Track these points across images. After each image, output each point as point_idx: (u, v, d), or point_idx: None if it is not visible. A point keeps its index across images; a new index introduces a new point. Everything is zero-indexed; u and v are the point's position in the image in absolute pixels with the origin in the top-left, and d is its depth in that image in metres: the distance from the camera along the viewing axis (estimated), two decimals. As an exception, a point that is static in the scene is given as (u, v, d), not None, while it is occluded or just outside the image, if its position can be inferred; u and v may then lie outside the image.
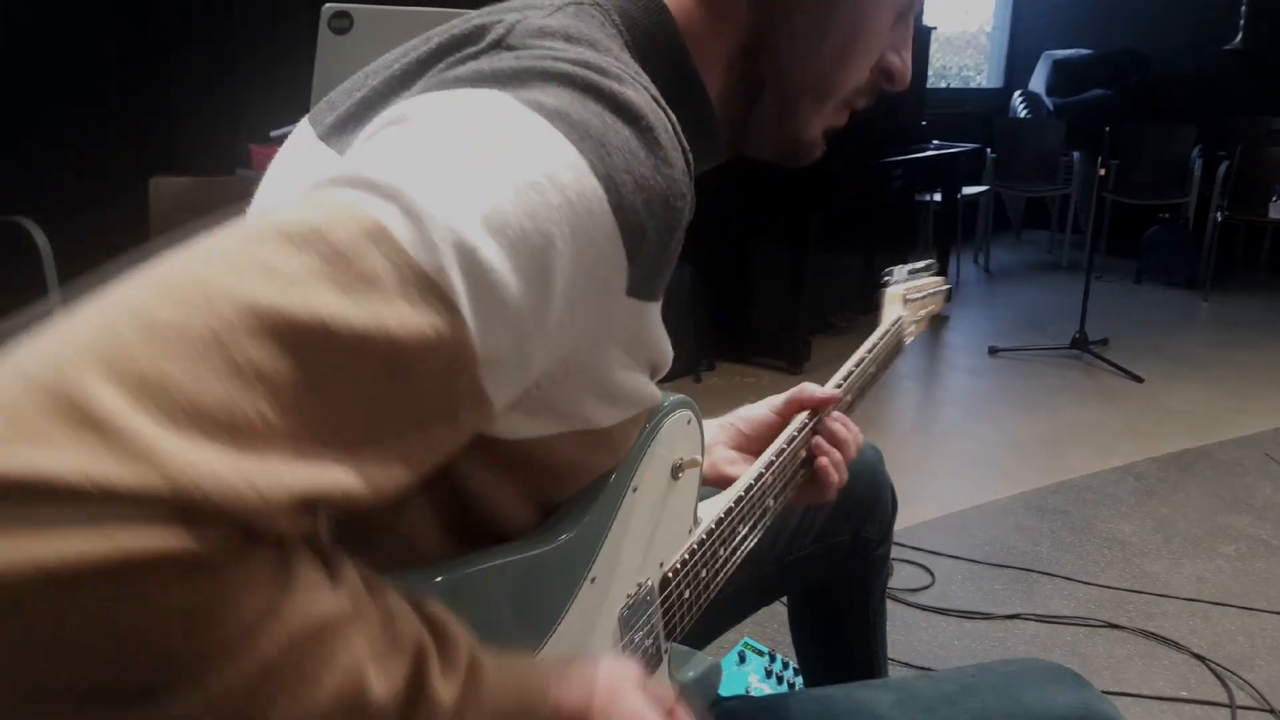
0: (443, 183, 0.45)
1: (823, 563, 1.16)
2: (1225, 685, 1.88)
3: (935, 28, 4.71)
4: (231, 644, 0.37)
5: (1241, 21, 5.78)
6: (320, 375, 0.40)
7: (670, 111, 0.57)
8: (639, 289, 0.56)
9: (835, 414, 0.97)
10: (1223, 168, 5.32)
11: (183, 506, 0.35)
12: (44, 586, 0.32)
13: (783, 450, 0.90)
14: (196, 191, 2.55)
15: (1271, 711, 1.80)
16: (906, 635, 2.06)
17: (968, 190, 5.28)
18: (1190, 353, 4.22)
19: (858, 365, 1.04)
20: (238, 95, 3.16)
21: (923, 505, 2.66)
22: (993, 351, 4.12)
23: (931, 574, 2.30)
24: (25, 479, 0.32)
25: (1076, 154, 5.90)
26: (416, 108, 0.51)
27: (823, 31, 0.69)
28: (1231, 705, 1.82)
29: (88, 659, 0.34)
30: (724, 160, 0.75)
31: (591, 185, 0.49)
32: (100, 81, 3.07)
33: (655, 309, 0.63)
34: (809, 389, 0.95)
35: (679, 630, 0.77)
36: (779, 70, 0.70)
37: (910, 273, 1.26)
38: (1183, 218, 5.62)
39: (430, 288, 0.43)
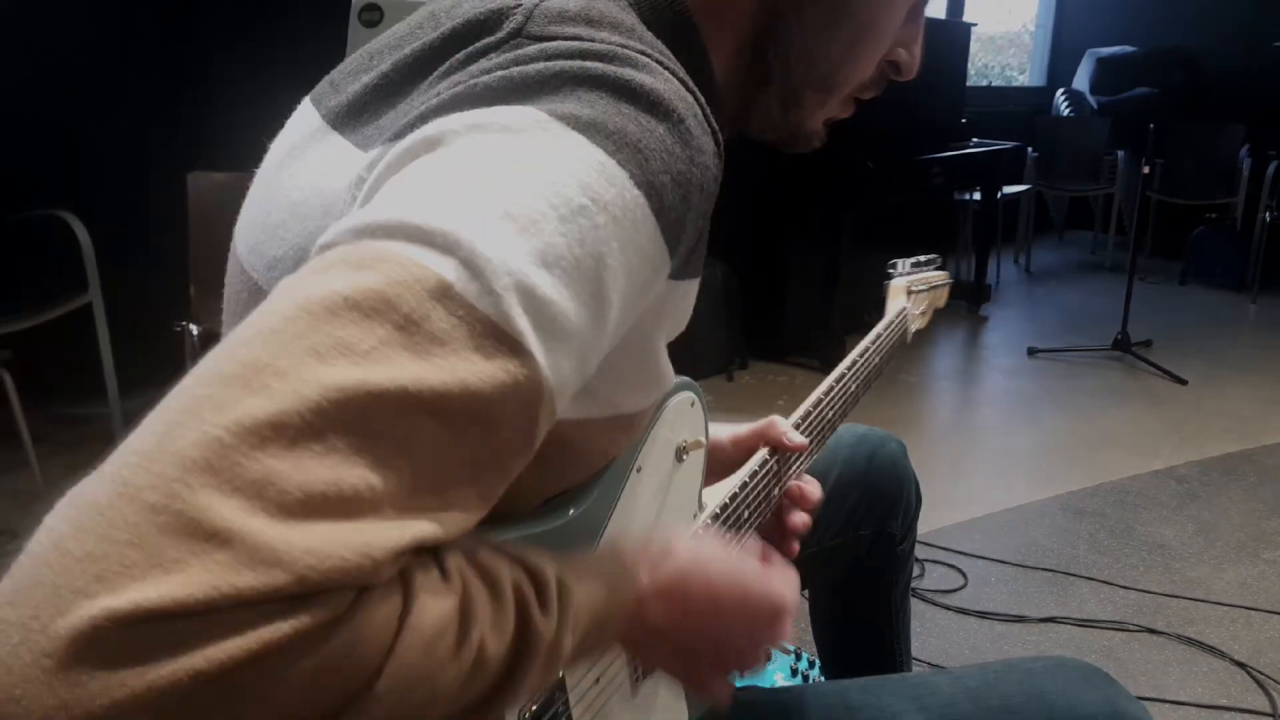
0: (494, 224, 0.46)
1: (845, 557, 1.13)
2: (1267, 693, 1.83)
3: (976, 24, 4.64)
4: (371, 673, 0.39)
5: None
6: (410, 438, 0.41)
7: (697, 92, 0.56)
8: (679, 272, 0.58)
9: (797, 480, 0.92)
10: (1272, 167, 5.20)
11: (307, 590, 0.37)
12: (201, 689, 0.34)
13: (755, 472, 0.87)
14: (234, 186, 2.57)
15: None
16: (938, 637, 2.02)
17: (1009, 189, 5.21)
18: (1236, 355, 4.12)
19: (862, 355, 1.03)
20: (274, 91, 3.18)
21: (958, 507, 2.61)
22: (1032, 352, 4.05)
23: (965, 576, 2.26)
24: (167, 607, 0.34)
25: (1121, 153, 5.80)
26: (450, 130, 0.50)
27: (834, 25, 0.68)
28: (1274, 714, 1.77)
29: None
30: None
31: (634, 196, 0.50)
32: (140, 78, 3.11)
33: (694, 284, 0.64)
34: (778, 429, 0.89)
35: None
36: (786, 61, 0.69)
37: (914, 265, 1.25)
38: (1230, 218, 5.50)
39: (500, 336, 0.44)
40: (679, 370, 0.72)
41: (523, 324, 0.45)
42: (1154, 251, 5.93)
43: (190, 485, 0.36)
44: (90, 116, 3.02)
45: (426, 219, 0.45)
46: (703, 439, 0.76)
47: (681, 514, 0.75)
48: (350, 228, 0.45)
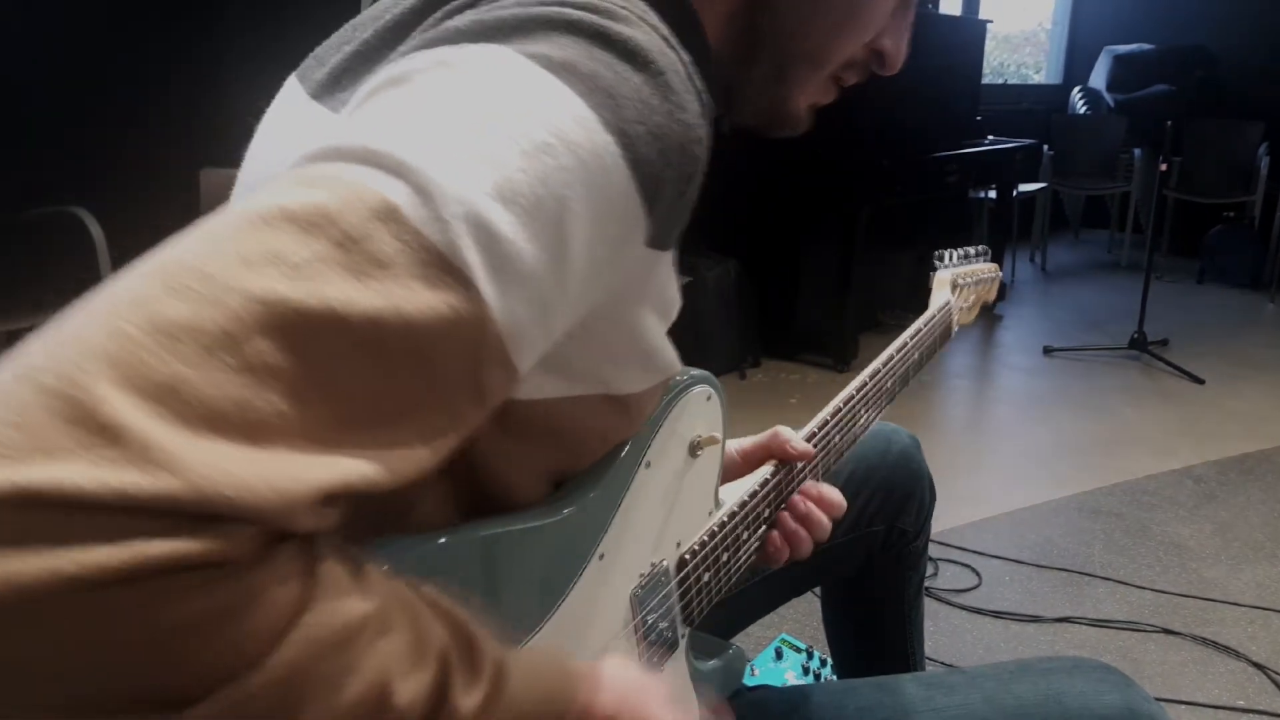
0: (450, 153, 0.44)
1: (857, 554, 1.12)
2: (1286, 695, 1.81)
3: (991, 21, 4.61)
4: (258, 648, 0.36)
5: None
6: (335, 364, 0.39)
7: (682, 52, 0.54)
8: (659, 240, 0.54)
9: (805, 488, 0.87)
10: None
11: (202, 510, 0.34)
12: (67, 596, 0.32)
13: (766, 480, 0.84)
14: (246, 183, 2.58)
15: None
16: (952, 637, 2.01)
17: (1024, 187, 5.17)
18: (1254, 354, 4.08)
19: (899, 350, 1.00)
20: (288, 89, 3.20)
21: (972, 505, 2.59)
22: (1048, 351, 4.03)
23: (978, 575, 2.24)
24: (43, 491, 0.32)
25: (1137, 151, 5.75)
26: (416, 67, 0.49)
27: None
28: (1292, 716, 1.75)
29: (115, 669, 0.34)
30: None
31: (604, 141, 0.47)
32: (153, 74, 3.12)
33: (670, 257, 0.60)
34: (781, 439, 0.85)
35: (698, 614, 0.74)
36: (779, 30, 0.67)
37: (962, 258, 1.22)
38: (1248, 217, 5.45)
39: (444, 266, 0.42)
40: (691, 366, 0.71)
41: (471, 257, 0.42)
42: (1171, 250, 5.89)
43: (90, 374, 0.34)
44: (103, 113, 3.03)
45: (379, 143, 0.43)
46: (719, 434, 0.74)
47: (696, 511, 0.74)
48: (303, 154, 0.44)
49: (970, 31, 4.48)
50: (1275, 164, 5.32)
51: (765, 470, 0.81)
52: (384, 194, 0.42)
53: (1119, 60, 6.17)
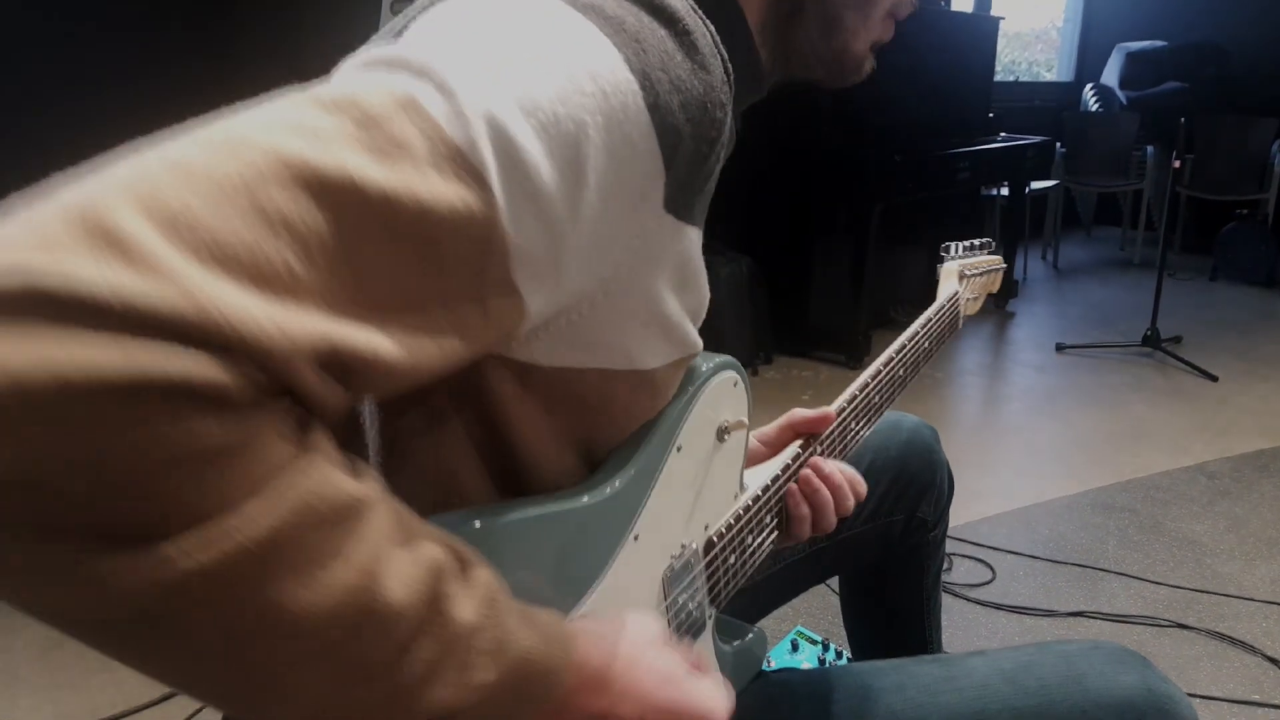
0: (475, 64, 0.45)
1: (876, 543, 1.13)
2: (1302, 689, 1.81)
3: (1003, 18, 4.61)
4: (242, 494, 0.36)
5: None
6: (347, 233, 0.39)
7: (710, 23, 0.55)
8: (677, 204, 0.55)
9: (820, 463, 0.86)
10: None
11: (206, 334, 0.34)
12: (57, 394, 0.31)
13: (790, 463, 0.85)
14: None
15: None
16: (966, 631, 2.01)
17: (1036, 185, 5.17)
18: (1268, 351, 4.07)
19: (911, 340, 1.02)
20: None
21: (985, 501, 2.60)
22: (1060, 348, 4.03)
23: (992, 570, 2.24)
24: (52, 285, 0.32)
25: (1150, 148, 5.74)
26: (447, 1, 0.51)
27: None
28: (1308, 710, 1.75)
29: (93, 488, 0.33)
30: (766, 93, 0.73)
31: (626, 78, 0.49)
32: (171, 77, 3.14)
33: (696, 236, 0.61)
34: (798, 413, 0.86)
35: (723, 596, 0.76)
36: None
37: (967, 249, 1.24)
38: (1261, 213, 5.43)
39: (461, 161, 0.43)
40: None
41: (488, 157, 0.43)
42: (1184, 248, 5.87)
43: (108, 198, 0.35)
44: (122, 117, 3.05)
45: (411, 54, 0.45)
46: (745, 419, 0.76)
47: (722, 495, 0.75)
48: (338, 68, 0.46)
49: (982, 28, 4.48)
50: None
51: (788, 454, 0.83)
52: (409, 90, 0.43)
53: (1131, 57, 6.15)
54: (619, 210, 0.51)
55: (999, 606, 2.10)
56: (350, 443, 0.59)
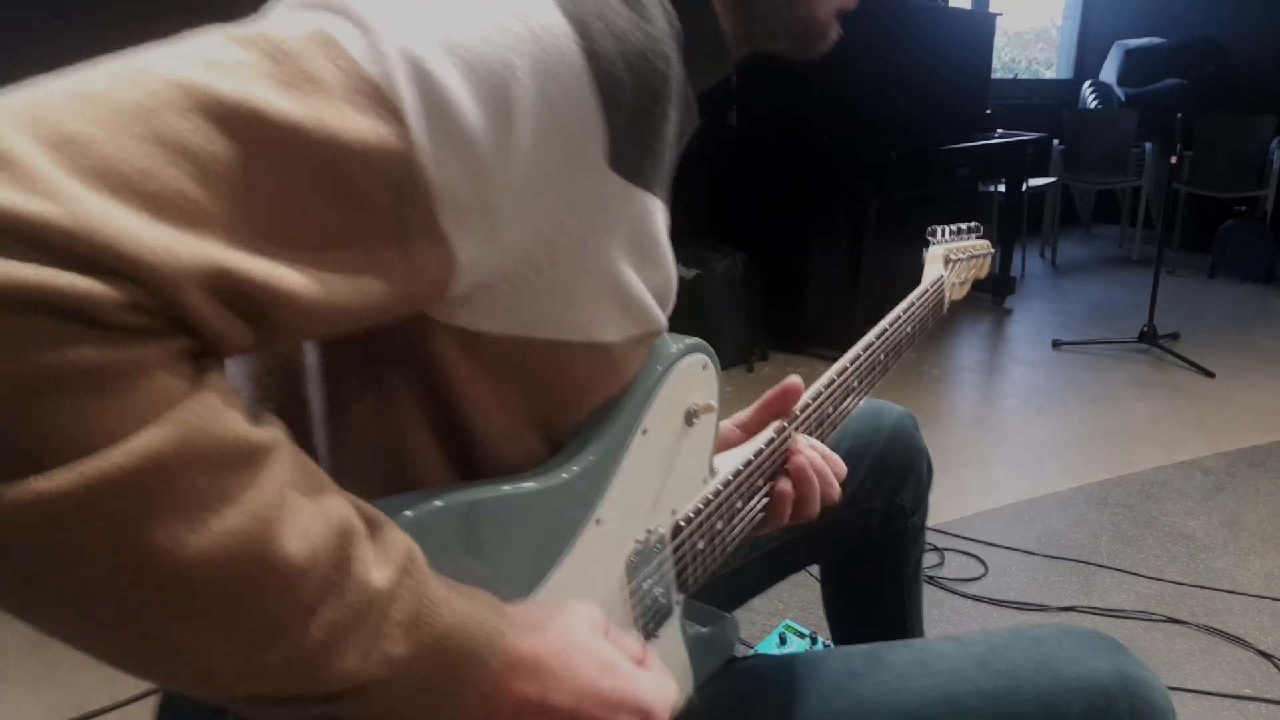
0: (397, 3, 0.44)
1: (855, 530, 1.12)
2: (1294, 684, 1.80)
3: (1000, 14, 4.60)
4: (121, 429, 0.34)
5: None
6: (251, 162, 0.38)
7: None
8: (624, 163, 0.53)
9: (804, 442, 0.85)
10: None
11: (88, 252, 0.33)
12: None
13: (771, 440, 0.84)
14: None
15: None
16: (956, 625, 2.01)
17: (1035, 182, 5.16)
18: (1265, 348, 4.06)
19: (892, 324, 1.01)
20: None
21: (980, 497, 2.59)
22: (1057, 345, 4.02)
23: (984, 564, 2.24)
24: None
25: (1149, 145, 5.73)
26: None
27: None
28: (1299, 704, 1.74)
29: None
30: (732, 69, 0.72)
31: (558, 20, 0.47)
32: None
33: (654, 206, 0.59)
34: (771, 392, 0.85)
35: (693, 582, 0.75)
36: None
37: (955, 233, 1.23)
38: (1260, 211, 5.42)
39: (377, 96, 0.42)
40: None
41: (406, 94, 0.42)
42: (1183, 245, 5.86)
43: (3, 120, 0.34)
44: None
45: None
46: (714, 403, 0.75)
47: (691, 480, 0.75)
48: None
49: (980, 24, 4.47)
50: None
51: (762, 438, 0.82)
52: (324, 25, 0.42)
53: (1130, 54, 6.14)
54: (556, 161, 0.49)
55: (991, 601, 2.09)
56: (291, 412, 0.58)
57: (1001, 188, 4.82)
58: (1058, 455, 2.95)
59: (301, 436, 0.57)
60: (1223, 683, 1.81)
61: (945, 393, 3.54)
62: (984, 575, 2.20)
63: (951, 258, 1.19)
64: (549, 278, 0.54)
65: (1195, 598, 2.11)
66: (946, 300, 1.15)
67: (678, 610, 0.74)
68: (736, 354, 3.64)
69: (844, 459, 0.88)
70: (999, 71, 6.66)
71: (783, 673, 0.79)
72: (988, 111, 4.52)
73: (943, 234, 1.22)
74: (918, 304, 1.06)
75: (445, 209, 0.45)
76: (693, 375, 0.72)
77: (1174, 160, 3.83)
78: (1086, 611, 2.05)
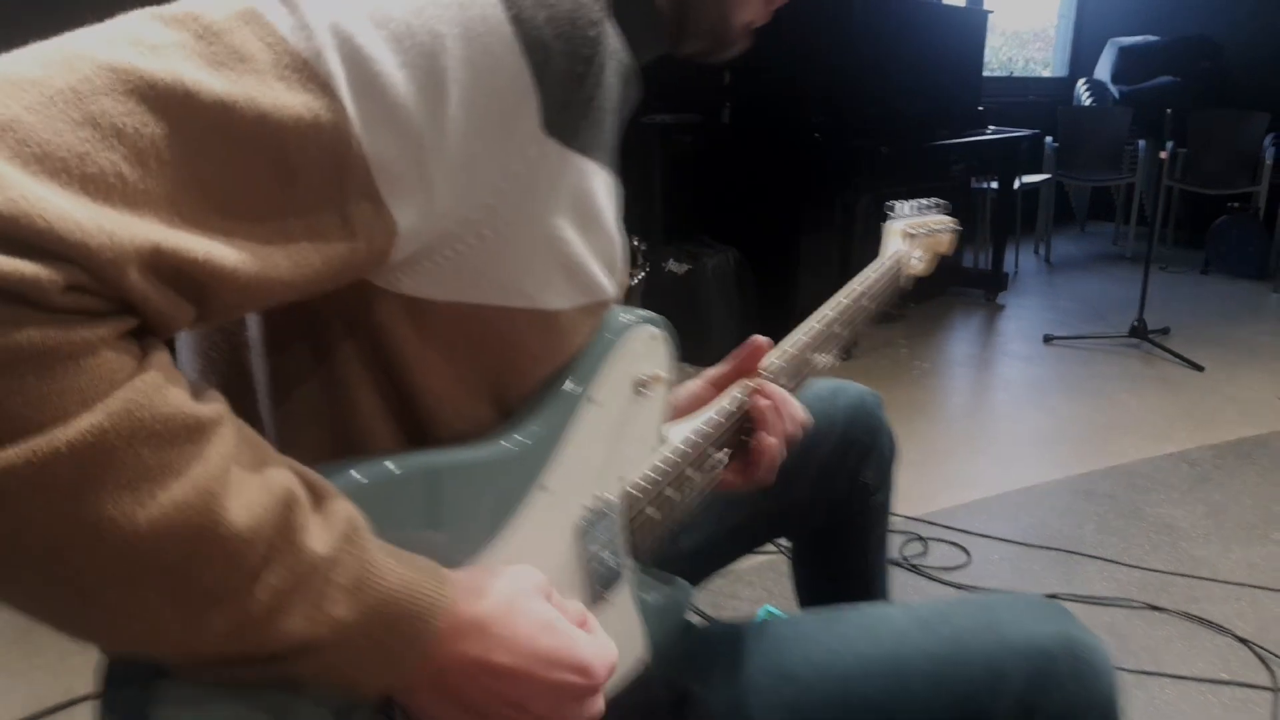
0: None
1: (819, 508, 1.14)
2: (1269, 668, 1.81)
3: (991, 11, 4.61)
4: (69, 407, 0.36)
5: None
6: (185, 141, 0.39)
7: None
8: (560, 128, 0.54)
9: (769, 392, 0.86)
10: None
11: (26, 236, 0.34)
12: None
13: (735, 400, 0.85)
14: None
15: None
16: (938, 612, 2.02)
17: (1029, 179, 5.17)
18: (1255, 343, 4.07)
19: (848, 297, 1.02)
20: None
21: (966, 488, 2.61)
22: (1048, 339, 4.03)
23: (968, 553, 2.25)
24: None
25: (1142, 143, 5.74)
26: None
27: None
28: (1275, 688, 1.75)
29: None
30: (672, 48, 0.74)
31: None
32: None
33: (594, 171, 0.60)
34: (740, 349, 0.87)
35: (644, 549, 0.76)
36: None
37: (916, 208, 1.24)
38: (1253, 207, 5.43)
39: (307, 70, 0.43)
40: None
41: (335, 68, 0.43)
42: (1176, 241, 5.88)
43: None
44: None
45: None
46: (664, 373, 0.76)
47: (640, 448, 0.76)
48: None
49: (970, 22, 4.49)
50: (1280, 155, 5.31)
51: (719, 405, 0.83)
52: (251, 3, 0.43)
53: (1124, 52, 6.15)
54: (490, 127, 0.50)
55: (973, 589, 2.10)
56: (238, 385, 0.59)
57: (994, 184, 4.83)
58: (1046, 448, 2.96)
59: (248, 408, 0.58)
60: (1201, 667, 1.83)
61: (936, 386, 3.56)
62: (967, 564, 2.21)
63: (910, 232, 1.20)
64: (491, 244, 0.55)
65: (1177, 585, 2.13)
66: (904, 273, 1.16)
67: (629, 575, 0.75)
68: (729, 349, 3.64)
69: (807, 437, 0.90)
70: (997, 70, 6.68)
71: (734, 636, 0.80)
72: (980, 108, 4.54)
73: (902, 208, 1.23)
74: (875, 278, 1.07)
75: (381, 179, 0.46)
76: (643, 346, 0.74)
77: (1163, 156, 3.84)
78: (1067, 599, 2.06)
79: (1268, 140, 5.40)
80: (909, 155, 3.87)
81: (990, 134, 4.47)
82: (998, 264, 4.73)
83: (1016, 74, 7.14)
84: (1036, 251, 5.92)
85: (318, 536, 0.45)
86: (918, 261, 1.20)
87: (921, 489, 2.55)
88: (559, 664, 0.56)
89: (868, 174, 3.68)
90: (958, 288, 4.83)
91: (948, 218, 1.28)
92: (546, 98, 0.52)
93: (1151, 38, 6.15)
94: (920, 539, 2.29)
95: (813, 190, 3.78)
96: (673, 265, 3.42)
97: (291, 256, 0.44)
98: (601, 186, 0.62)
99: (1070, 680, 0.73)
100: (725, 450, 0.84)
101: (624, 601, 0.75)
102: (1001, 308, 4.65)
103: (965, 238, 4.98)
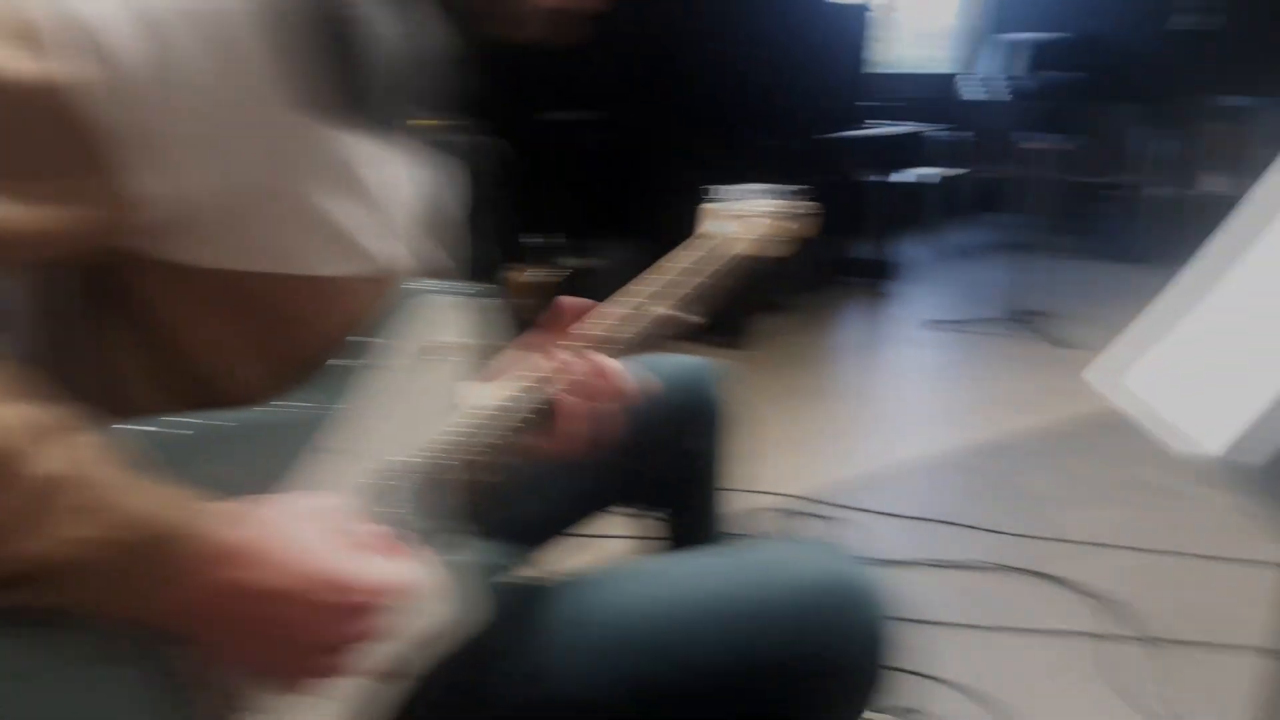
0: None
1: (653, 474, 1.16)
2: (1122, 619, 1.93)
3: (868, 8, 4.71)
4: None
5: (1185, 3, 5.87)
6: None
7: None
8: (310, 99, 0.56)
9: (576, 357, 0.86)
10: (1163, 146, 5.42)
11: None
12: None
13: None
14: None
15: (1163, 642, 1.84)
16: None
17: (916, 171, 5.33)
18: (1123, 322, 4.24)
19: (662, 273, 1.04)
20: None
21: (845, 468, 2.71)
22: (931, 325, 4.18)
23: (844, 528, 2.33)
24: None
25: (1030, 135, 5.94)
26: None
27: None
28: (1127, 637, 1.87)
29: None
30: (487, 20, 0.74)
31: None
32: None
33: (360, 145, 0.61)
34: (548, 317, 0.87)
35: (459, 512, 0.79)
36: None
37: (744, 194, 1.25)
38: (1129, 194, 5.70)
39: (32, 37, 0.45)
40: None
41: (61, 33, 0.45)
42: (1060, 229, 6.11)
43: None
44: None
45: None
46: (459, 340, 0.77)
47: (432, 414, 0.77)
48: None
49: (848, 17, 4.58)
50: (1149, 144, 5.58)
51: (517, 376, 0.84)
52: None
53: (1012, 47, 6.36)
54: (229, 101, 0.52)
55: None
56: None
57: (886, 178, 4.97)
58: (928, 426, 3.10)
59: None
60: (1053, 622, 1.93)
61: (824, 372, 3.66)
62: (840, 538, 2.29)
63: (732, 213, 1.22)
64: (249, 213, 0.58)
65: (1038, 547, 2.24)
66: (727, 252, 1.15)
67: (433, 537, 0.77)
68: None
69: (646, 404, 0.92)
70: (893, 66, 6.83)
71: (524, 599, 0.83)
72: (864, 103, 4.65)
73: (729, 193, 1.24)
74: (685, 254, 1.09)
75: (109, 142, 0.48)
76: (437, 311, 0.76)
77: (1048, 148, 4.02)
78: (931, 565, 2.16)
79: (1140, 131, 5.68)
80: (794, 150, 3.95)
81: (876, 129, 4.60)
82: (884, 255, 4.88)
83: (912, 71, 7.31)
84: (925, 242, 6.09)
85: (43, 462, 0.47)
86: (758, 242, 1.20)
87: (813, 469, 2.65)
88: (318, 584, 0.56)
89: (750, 169, 3.73)
90: (848, 277, 4.96)
91: (775, 202, 1.29)
92: (293, 72, 0.55)
93: (1039, 34, 6.37)
94: (808, 515, 2.38)
95: (693, 187, 3.83)
96: (574, 261, 3.45)
97: (27, 215, 0.46)
98: (372, 159, 0.64)
99: (836, 614, 0.78)
100: (529, 414, 0.84)
101: (426, 562, 0.77)
102: (890, 296, 4.79)
103: (855, 230, 5.11)
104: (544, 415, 0.84)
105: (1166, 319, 1.06)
